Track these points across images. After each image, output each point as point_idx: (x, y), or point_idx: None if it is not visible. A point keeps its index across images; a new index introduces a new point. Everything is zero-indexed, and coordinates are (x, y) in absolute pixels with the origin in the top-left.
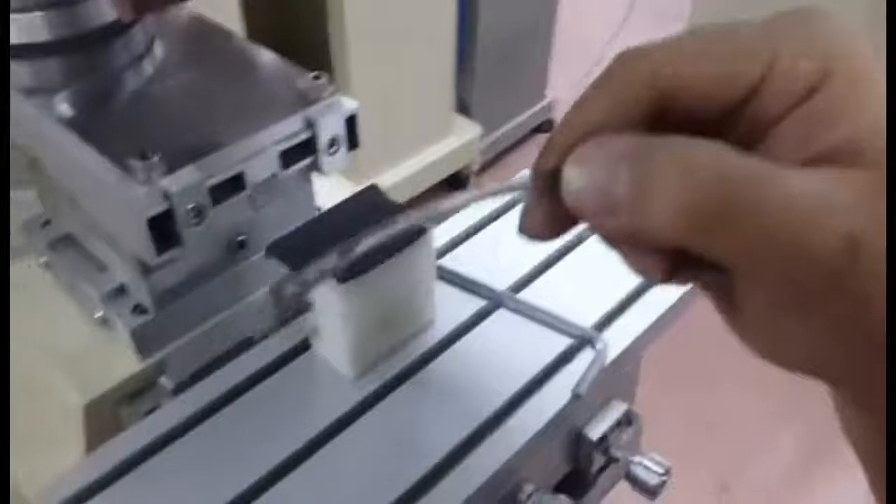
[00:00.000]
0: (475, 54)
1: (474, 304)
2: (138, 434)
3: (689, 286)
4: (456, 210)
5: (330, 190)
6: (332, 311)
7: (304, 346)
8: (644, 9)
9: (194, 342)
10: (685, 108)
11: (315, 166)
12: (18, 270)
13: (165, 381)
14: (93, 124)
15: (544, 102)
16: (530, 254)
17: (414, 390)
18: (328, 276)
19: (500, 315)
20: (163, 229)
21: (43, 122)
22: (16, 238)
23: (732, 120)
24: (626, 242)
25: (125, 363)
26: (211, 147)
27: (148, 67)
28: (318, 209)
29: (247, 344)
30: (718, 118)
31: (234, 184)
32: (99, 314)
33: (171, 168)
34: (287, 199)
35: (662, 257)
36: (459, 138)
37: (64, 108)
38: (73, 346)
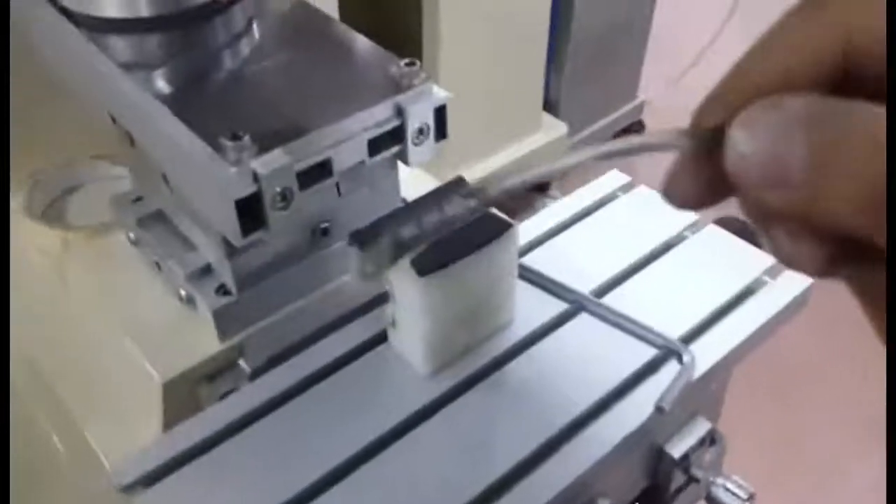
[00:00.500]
0: (567, 51)
1: (555, 306)
2: (214, 417)
3: (794, 295)
4: (573, 167)
5: (414, 182)
6: (409, 305)
7: (381, 337)
8: (747, 10)
9: (274, 326)
10: (878, 73)
11: (402, 156)
12: (106, 245)
13: (244, 364)
14: (187, 102)
15: (635, 103)
16: (617, 257)
17: (488, 392)
18: (404, 252)
19: (582, 320)
20: (250, 211)
21: (139, 96)
22: (105, 213)
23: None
24: (785, 223)
25: (206, 343)
26: (301, 131)
27: (245, 48)
28: (404, 200)
29: (326, 330)
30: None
31: (321, 169)
32: (184, 292)
33: (262, 150)
34: (372, 188)
35: (825, 244)
36: (545, 136)
37: (160, 84)
38: (156, 322)
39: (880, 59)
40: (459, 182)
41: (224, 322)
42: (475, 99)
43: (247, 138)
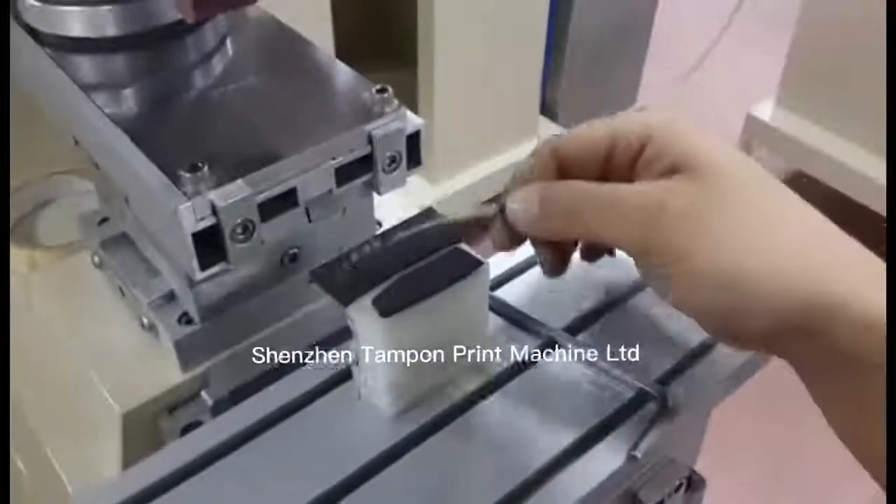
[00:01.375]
0: (565, 53)
1: (527, 343)
2: (175, 455)
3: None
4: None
5: (395, 198)
6: (373, 344)
7: (346, 374)
8: (748, 14)
9: (238, 357)
10: (579, 166)
11: (372, 184)
12: (72, 266)
13: (206, 396)
14: (149, 127)
15: (635, 107)
16: (593, 291)
17: (455, 436)
18: (366, 289)
19: (556, 358)
20: (208, 244)
21: (98, 120)
22: (73, 231)
23: (610, 168)
24: (541, 242)
25: (168, 373)
26: (265, 159)
27: (215, 69)
28: (378, 223)
29: (292, 364)
30: (602, 168)
31: (286, 199)
32: (146, 320)
33: (221, 181)
34: (345, 213)
35: (562, 248)
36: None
37: (124, 106)
38: (119, 351)
39: (575, 162)
40: (430, 213)
41: (186, 352)
42: (470, 101)
43: (205, 169)
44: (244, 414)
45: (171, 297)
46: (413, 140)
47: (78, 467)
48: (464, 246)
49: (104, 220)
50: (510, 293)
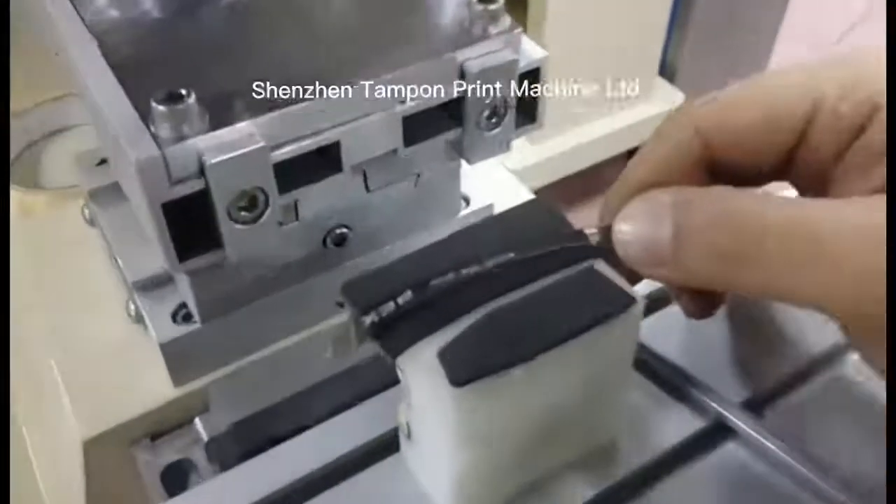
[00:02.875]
0: (692, 13)
1: (682, 424)
2: None
3: None
4: None
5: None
6: (435, 422)
7: (392, 442)
8: None
9: (250, 374)
10: (737, 159)
11: (458, 146)
12: (65, 220)
13: (200, 427)
14: (132, 37)
15: None
16: (776, 342)
17: None
18: (426, 331)
19: (727, 452)
20: (192, 222)
21: (68, 20)
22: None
23: (790, 166)
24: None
25: (153, 387)
26: (289, 96)
27: None
28: (465, 198)
29: (317, 391)
30: (775, 166)
31: (324, 159)
32: (133, 307)
33: (217, 122)
34: (416, 184)
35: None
36: (658, 106)
37: (105, 6)
38: (95, 346)
39: (732, 149)
40: (538, 209)
41: (179, 361)
42: (582, 55)
43: (190, 101)
44: (252, 481)
45: (166, 279)
46: (530, 82)
47: (53, 476)
48: (601, 265)
49: (103, 161)
50: (649, 335)
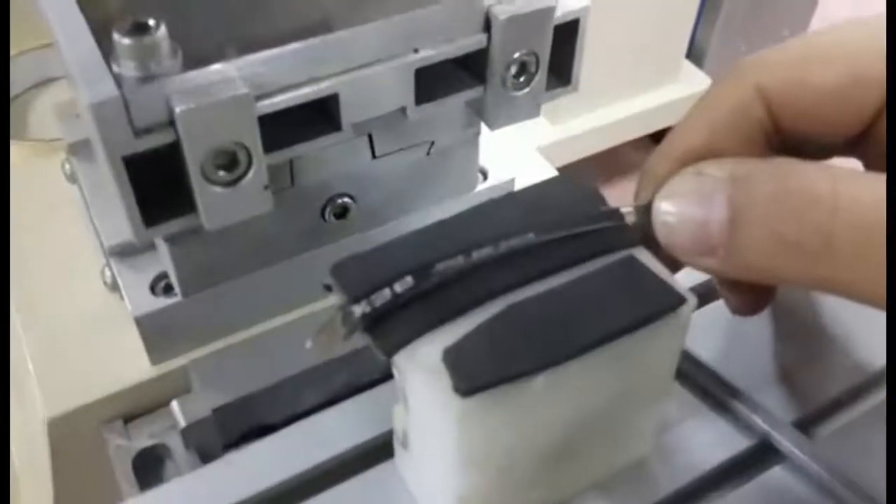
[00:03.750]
0: None
1: (723, 439)
2: None
3: None
4: None
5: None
6: (436, 433)
7: (384, 449)
8: None
9: (236, 355)
10: (806, 127)
11: (478, 106)
12: (43, 174)
13: (178, 411)
14: None
15: None
16: (833, 351)
17: None
18: (427, 326)
19: (773, 477)
20: (160, 181)
21: None
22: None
23: (866, 138)
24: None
25: (128, 364)
26: (279, 36)
27: None
28: (483, 171)
29: (309, 377)
30: (852, 139)
31: (319, 114)
32: (108, 274)
33: (194, 62)
34: (429, 153)
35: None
36: (683, 90)
37: None
38: (66, 315)
39: (803, 115)
40: (567, 184)
41: (156, 337)
42: (608, 33)
43: (158, 34)
44: (228, 482)
45: (147, 245)
46: (565, 37)
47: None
48: (644, 253)
49: None
50: (696, 341)
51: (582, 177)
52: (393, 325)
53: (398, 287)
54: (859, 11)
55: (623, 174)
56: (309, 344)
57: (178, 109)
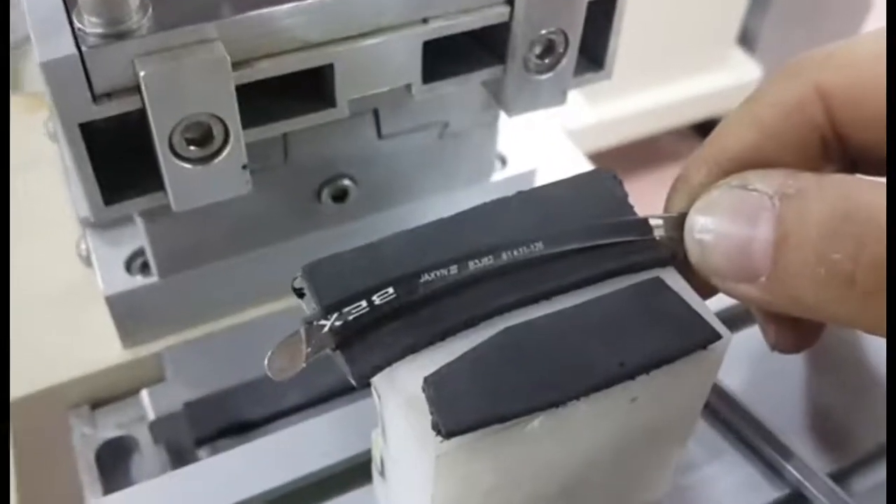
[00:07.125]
0: None
1: (750, 488)
2: None
3: None
4: None
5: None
6: (415, 475)
7: (362, 471)
8: None
9: (215, 345)
10: (870, 137)
11: (498, 89)
12: (27, 130)
13: (147, 402)
14: None
15: None
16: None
17: None
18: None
19: None
20: (123, 153)
21: None
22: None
23: None
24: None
25: (97, 347)
26: None
27: None
28: (501, 157)
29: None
30: None
31: (311, 87)
32: (83, 246)
33: (165, 21)
34: (441, 135)
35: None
36: (732, 77)
37: None
38: (38, 287)
39: (866, 123)
40: (593, 184)
41: (128, 319)
42: (654, 11)
43: None
44: (203, 485)
45: (126, 217)
46: (600, 14)
47: None
48: (672, 275)
49: None
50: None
51: (614, 168)
52: (368, 346)
53: (377, 299)
54: None
55: (662, 167)
56: (266, 362)
57: (143, 73)
